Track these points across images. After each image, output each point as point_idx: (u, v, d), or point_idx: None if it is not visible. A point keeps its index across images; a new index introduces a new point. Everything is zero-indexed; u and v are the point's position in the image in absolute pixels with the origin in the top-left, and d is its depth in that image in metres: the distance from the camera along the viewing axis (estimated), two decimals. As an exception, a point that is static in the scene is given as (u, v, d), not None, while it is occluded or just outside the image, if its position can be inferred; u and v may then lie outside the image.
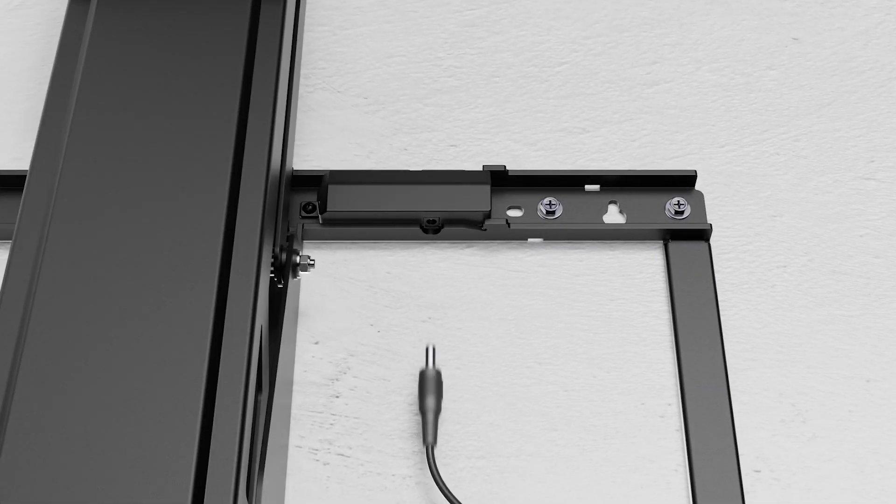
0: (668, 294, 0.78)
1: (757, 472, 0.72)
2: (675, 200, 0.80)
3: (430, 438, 0.71)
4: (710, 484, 0.71)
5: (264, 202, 0.67)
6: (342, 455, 0.73)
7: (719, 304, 0.77)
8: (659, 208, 0.80)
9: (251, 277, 0.64)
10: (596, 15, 0.91)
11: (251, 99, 0.71)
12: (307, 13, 0.91)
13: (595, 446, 0.73)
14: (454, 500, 0.69)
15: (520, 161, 0.84)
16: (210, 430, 0.58)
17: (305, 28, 0.90)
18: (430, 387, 0.73)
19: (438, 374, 0.73)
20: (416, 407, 0.74)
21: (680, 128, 0.86)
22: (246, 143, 0.69)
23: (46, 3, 0.91)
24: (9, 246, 0.73)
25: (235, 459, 0.58)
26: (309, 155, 0.84)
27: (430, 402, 0.73)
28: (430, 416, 0.72)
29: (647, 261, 0.80)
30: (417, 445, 0.73)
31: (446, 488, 0.70)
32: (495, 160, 0.84)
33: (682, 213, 0.80)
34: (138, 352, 0.60)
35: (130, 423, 0.58)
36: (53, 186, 0.66)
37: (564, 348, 0.77)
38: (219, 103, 0.69)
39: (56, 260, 0.63)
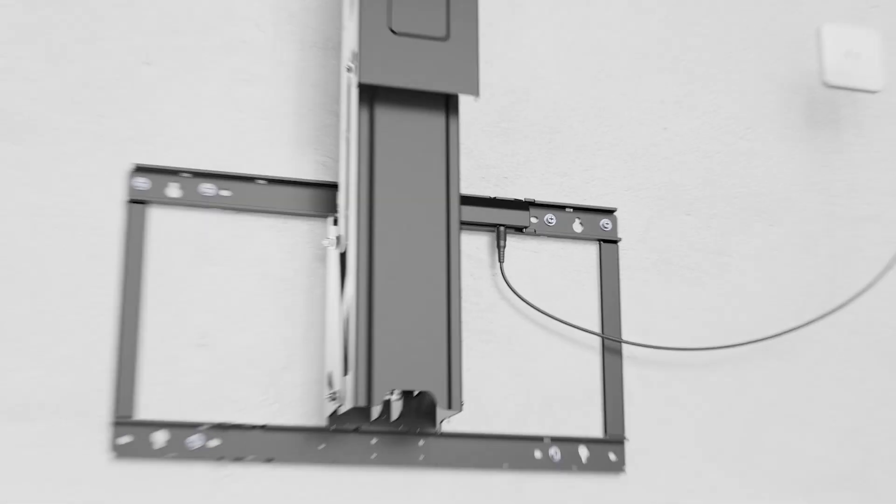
0: (598, 269, 1.67)
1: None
2: (604, 221, 1.69)
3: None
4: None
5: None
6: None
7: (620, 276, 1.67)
8: (597, 225, 1.69)
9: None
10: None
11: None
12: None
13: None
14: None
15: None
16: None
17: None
18: None
19: None
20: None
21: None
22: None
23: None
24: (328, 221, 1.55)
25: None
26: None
27: None
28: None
29: (590, 252, 1.68)
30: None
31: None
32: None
33: (608, 228, 1.69)
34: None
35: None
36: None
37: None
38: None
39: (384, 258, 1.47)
